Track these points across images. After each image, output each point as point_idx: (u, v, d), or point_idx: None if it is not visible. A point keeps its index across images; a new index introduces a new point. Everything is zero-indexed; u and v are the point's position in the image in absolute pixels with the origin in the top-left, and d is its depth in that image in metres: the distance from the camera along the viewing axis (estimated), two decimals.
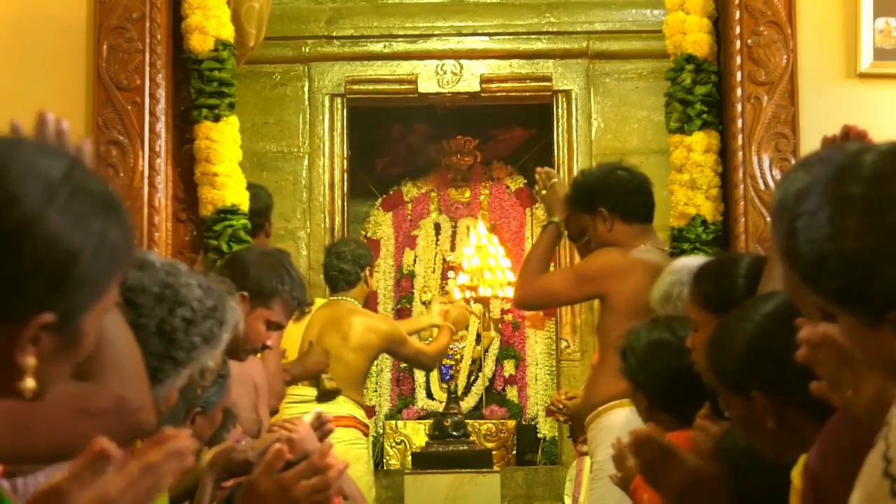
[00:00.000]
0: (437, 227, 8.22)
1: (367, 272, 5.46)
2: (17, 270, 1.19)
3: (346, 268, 5.36)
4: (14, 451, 1.48)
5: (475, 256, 7.27)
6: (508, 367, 7.98)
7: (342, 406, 5.07)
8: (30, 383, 1.23)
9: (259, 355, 3.55)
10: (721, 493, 2.09)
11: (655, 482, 2.16)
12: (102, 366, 1.56)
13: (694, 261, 3.17)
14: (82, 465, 1.27)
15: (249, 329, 3.23)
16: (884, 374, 1.44)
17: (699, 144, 4.49)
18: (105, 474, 1.27)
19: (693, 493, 2.10)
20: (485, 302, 7.14)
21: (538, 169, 4.34)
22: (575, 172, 6.17)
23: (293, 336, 5.00)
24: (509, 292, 7.02)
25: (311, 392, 5.07)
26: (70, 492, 1.25)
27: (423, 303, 8.06)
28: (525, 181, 8.14)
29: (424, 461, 6.56)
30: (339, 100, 7.07)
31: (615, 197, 4.00)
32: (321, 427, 2.99)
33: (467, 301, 6.64)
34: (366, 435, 5.29)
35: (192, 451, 1.42)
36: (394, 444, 7.58)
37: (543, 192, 4.23)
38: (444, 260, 8.14)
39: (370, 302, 6.56)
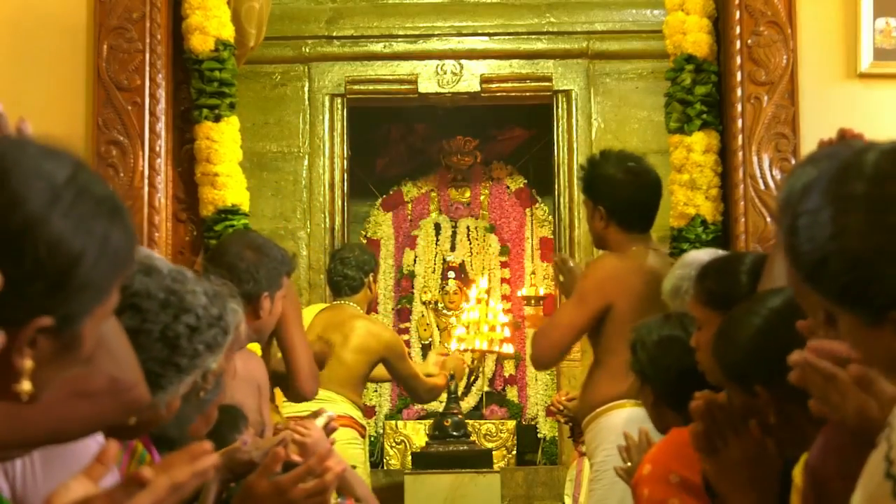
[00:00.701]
0: (438, 227, 8.22)
1: (371, 278, 5.46)
2: (18, 273, 1.18)
3: (350, 273, 5.36)
4: (11, 437, 1.48)
5: (475, 310, 7.34)
6: (508, 367, 7.97)
7: (339, 405, 5.05)
8: (26, 386, 1.23)
9: (276, 342, 3.63)
10: (776, 474, 2.04)
11: (713, 451, 2.09)
12: None
13: (704, 254, 3.15)
14: (115, 487, 1.27)
15: (277, 312, 3.39)
16: (884, 374, 1.44)
17: (699, 144, 4.48)
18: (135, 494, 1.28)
19: (752, 468, 2.05)
20: (478, 354, 7.26)
21: (554, 258, 4.28)
22: (575, 172, 6.15)
23: None
24: (506, 348, 7.37)
25: None
26: None
27: (424, 303, 8.06)
28: (525, 181, 8.14)
29: (424, 461, 6.55)
30: (339, 100, 7.07)
31: (616, 202, 3.91)
32: (326, 426, 3.00)
33: (462, 352, 6.74)
34: (363, 436, 5.28)
35: (216, 466, 1.43)
36: (394, 444, 7.58)
37: (561, 278, 4.05)
38: (444, 260, 8.14)
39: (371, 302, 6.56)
